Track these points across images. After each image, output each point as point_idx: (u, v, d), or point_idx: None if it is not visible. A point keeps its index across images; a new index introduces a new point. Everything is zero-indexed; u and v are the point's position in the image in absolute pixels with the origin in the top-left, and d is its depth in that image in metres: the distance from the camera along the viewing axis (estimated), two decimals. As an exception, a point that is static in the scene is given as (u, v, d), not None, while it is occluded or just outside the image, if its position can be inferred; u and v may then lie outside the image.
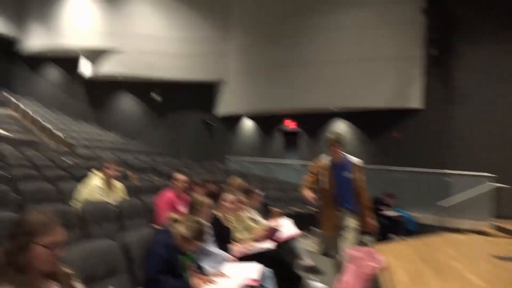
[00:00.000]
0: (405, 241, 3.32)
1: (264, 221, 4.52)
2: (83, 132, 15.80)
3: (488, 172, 8.74)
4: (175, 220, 2.76)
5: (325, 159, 4.07)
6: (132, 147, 15.61)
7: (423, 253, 2.97)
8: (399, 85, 11.36)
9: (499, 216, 8.29)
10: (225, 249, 3.34)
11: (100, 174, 4.46)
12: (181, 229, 2.66)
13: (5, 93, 18.29)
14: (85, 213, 3.39)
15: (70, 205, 3.75)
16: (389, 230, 6.96)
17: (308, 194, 3.93)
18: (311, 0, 13.34)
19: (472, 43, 10.32)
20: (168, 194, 4.65)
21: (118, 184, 4.68)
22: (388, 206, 7.34)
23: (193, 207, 3.19)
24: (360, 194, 3.93)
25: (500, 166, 8.94)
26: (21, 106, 17.04)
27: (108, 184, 4.43)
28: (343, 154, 4.04)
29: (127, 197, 4.63)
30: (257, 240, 3.79)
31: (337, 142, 3.95)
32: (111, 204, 3.95)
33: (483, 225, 7.88)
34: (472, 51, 10.32)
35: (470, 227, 7.50)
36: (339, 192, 3.92)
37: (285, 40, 13.81)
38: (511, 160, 9.33)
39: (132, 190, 5.36)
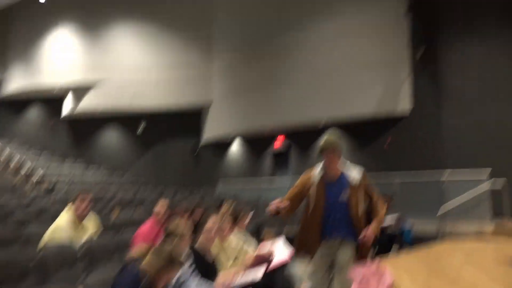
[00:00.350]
0: (408, 252, 3.02)
1: (254, 245, 4.10)
2: (65, 172, 15.27)
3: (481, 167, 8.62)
4: (142, 255, 2.35)
5: (318, 172, 3.26)
6: (117, 181, 15.09)
7: (430, 264, 2.76)
8: (387, 89, 11.20)
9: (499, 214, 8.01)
10: (210, 283, 2.92)
11: (70, 209, 3.98)
12: (149, 261, 2.27)
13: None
14: (44, 258, 2.93)
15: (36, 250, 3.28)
16: (389, 245, 6.49)
17: (277, 202, 3.17)
18: (291, 16, 13.32)
19: (457, 40, 10.36)
20: (148, 225, 4.24)
21: (91, 219, 4.22)
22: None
23: (168, 235, 2.81)
24: (357, 220, 3.10)
25: (493, 161, 8.86)
26: (1, 150, 16.53)
27: (78, 221, 3.95)
28: (341, 166, 3.24)
29: (100, 233, 4.17)
30: (247, 267, 3.36)
31: (332, 149, 3.16)
32: (77, 244, 3.45)
33: (485, 226, 7.52)
34: (458, 48, 10.32)
35: (471, 229, 7.13)
36: (329, 217, 3.13)
37: (268, 58, 13.77)
38: (503, 154, 9.23)
39: (110, 226, 4.94)
